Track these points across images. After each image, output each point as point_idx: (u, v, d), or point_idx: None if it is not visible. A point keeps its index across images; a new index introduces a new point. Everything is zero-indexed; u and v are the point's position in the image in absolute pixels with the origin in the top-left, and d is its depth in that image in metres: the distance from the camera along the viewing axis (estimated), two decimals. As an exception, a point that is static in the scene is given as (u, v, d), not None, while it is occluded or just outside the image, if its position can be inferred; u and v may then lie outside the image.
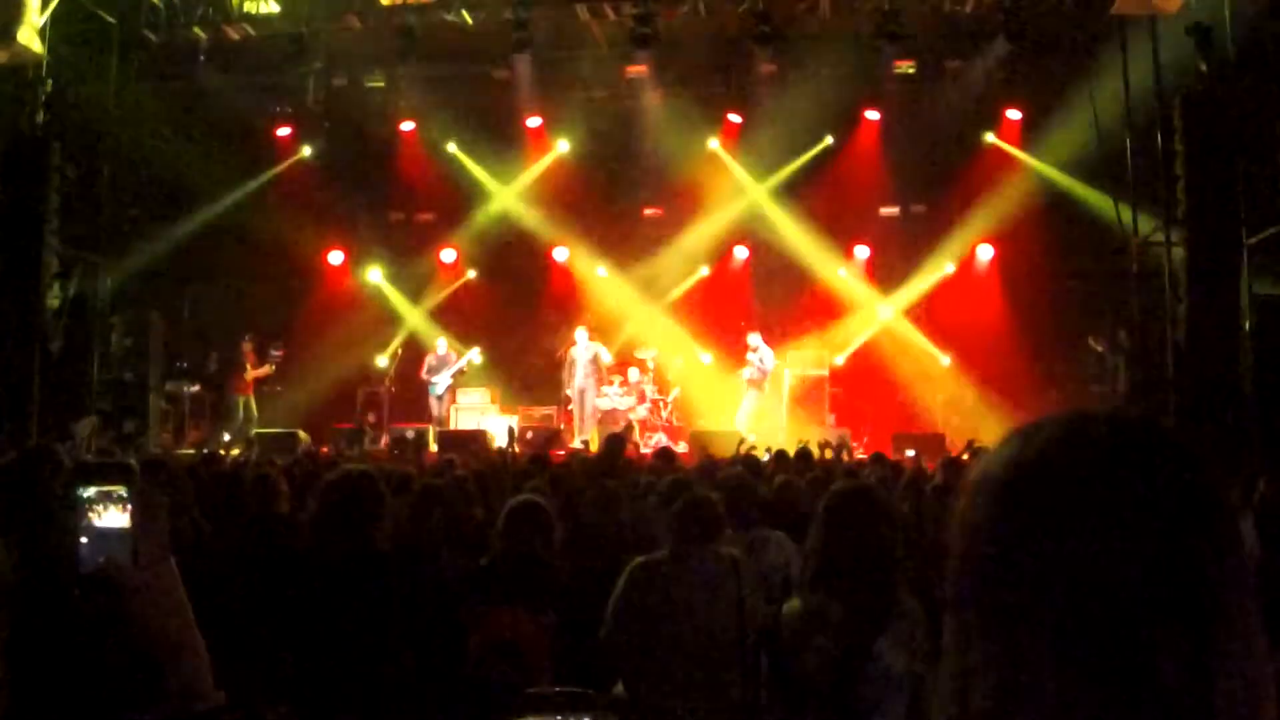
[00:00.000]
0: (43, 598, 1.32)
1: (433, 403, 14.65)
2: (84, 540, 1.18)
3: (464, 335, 15.09)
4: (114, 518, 1.18)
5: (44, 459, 3.66)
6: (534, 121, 15.98)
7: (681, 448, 12.98)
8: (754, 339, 14.27)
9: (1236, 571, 0.80)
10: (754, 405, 14.21)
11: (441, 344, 14.88)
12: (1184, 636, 0.76)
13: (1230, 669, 0.76)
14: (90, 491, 1.19)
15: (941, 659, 0.86)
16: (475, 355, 14.72)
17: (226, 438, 13.86)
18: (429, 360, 14.75)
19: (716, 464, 7.63)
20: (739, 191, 16.02)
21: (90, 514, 1.18)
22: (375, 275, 16.28)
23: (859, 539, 3.00)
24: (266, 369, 14.35)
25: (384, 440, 13.90)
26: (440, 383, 14.57)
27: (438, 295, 16.38)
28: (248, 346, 14.27)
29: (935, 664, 0.90)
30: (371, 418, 14.77)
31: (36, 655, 1.27)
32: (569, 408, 14.61)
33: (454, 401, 14.88)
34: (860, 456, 10.44)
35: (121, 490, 1.19)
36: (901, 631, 2.88)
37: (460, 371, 14.72)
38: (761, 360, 14.16)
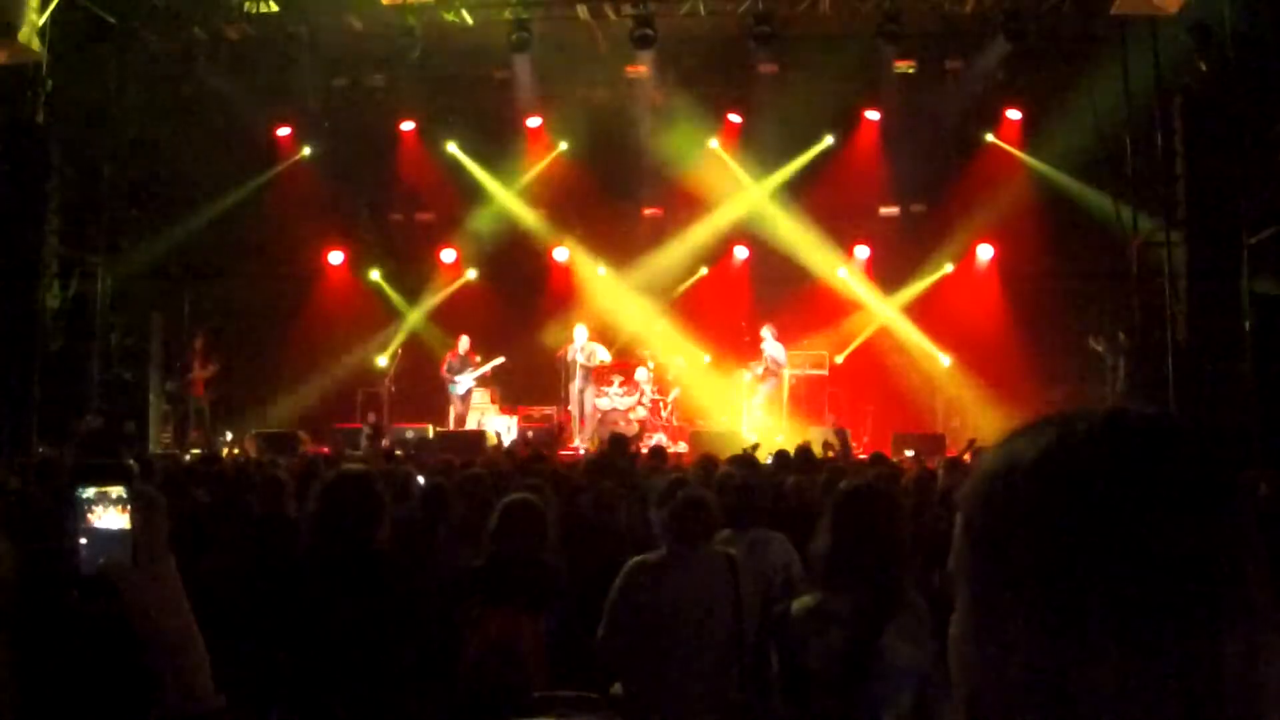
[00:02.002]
0: (41, 600, 1.32)
1: (455, 401, 14.50)
2: (83, 542, 1.18)
3: (463, 335, 15.06)
4: (113, 519, 1.18)
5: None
6: (534, 121, 15.97)
7: (682, 448, 12.98)
8: (765, 332, 14.26)
9: (1261, 562, 0.81)
10: (764, 401, 14.22)
11: (464, 342, 14.62)
12: (1218, 630, 0.78)
13: (1256, 663, 0.78)
14: (89, 492, 1.19)
15: (958, 642, 0.87)
16: (499, 361, 14.52)
17: (229, 436, 13.88)
18: (450, 360, 14.55)
19: (716, 463, 7.62)
20: (739, 191, 16.02)
21: (89, 515, 1.18)
22: (375, 275, 16.28)
23: (867, 535, 3.02)
24: (212, 369, 14.22)
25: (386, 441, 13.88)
26: (462, 383, 14.41)
27: (438, 295, 16.37)
28: (198, 345, 14.18)
29: (940, 659, 0.91)
30: (371, 418, 14.75)
31: (36, 658, 1.27)
32: (569, 408, 14.61)
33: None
34: (860, 456, 10.44)
35: (120, 491, 1.19)
36: (908, 626, 2.90)
37: (484, 376, 14.60)
38: (772, 356, 14.12)
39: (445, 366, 14.55)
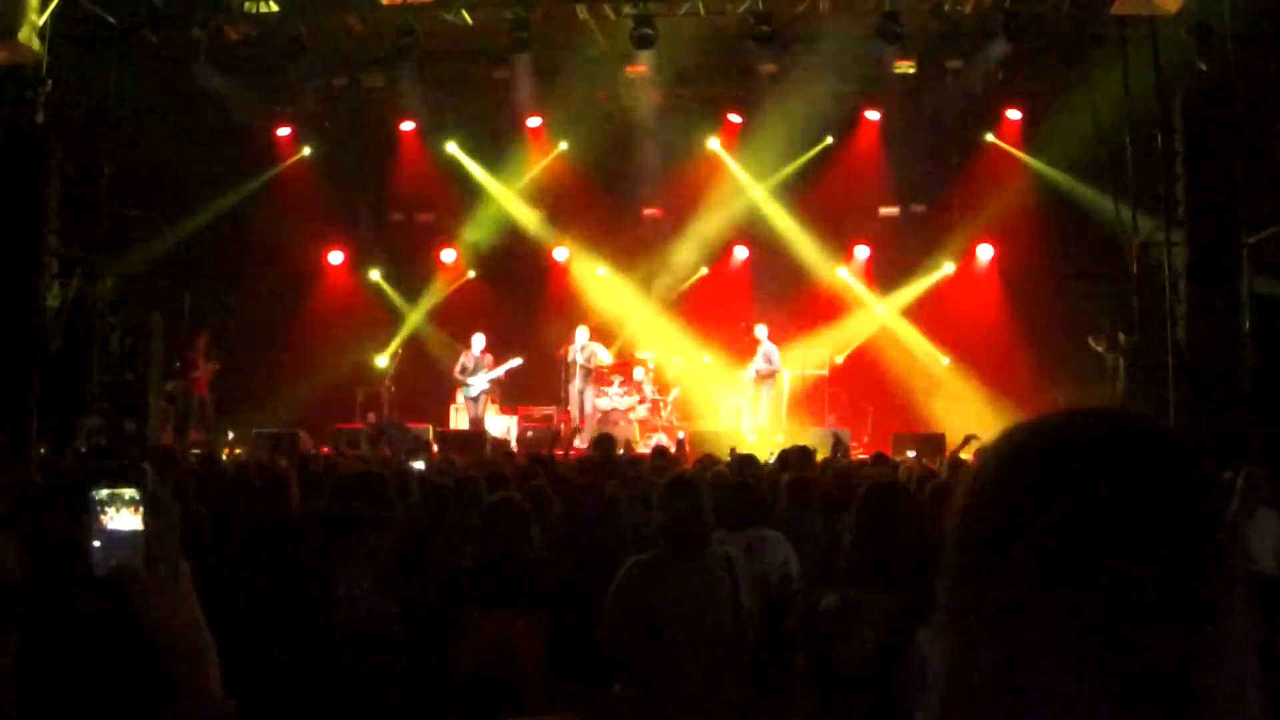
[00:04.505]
0: (54, 601, 1.33)
1: (468, 404, 14.32)
2: (96, 543, 1.18)
3: (464, 335, 15.08)
4: (126, 520, 1.18)
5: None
6: (534, 121, 15.97)
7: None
8: (760, 331, 14.26)
9: (1229, 566, 0.82)
10: (764, 402, 14.19)
11: (478, 341, 14.44)
12: (1180, 632, 0.78)
13: (1218, 665, 0.78)
14: (102, 493, 1.19)
15: (937, 648, 0.88)
16: (516, 363, 14.37)
17: (230, 435, 13.86)
18: (463, 360, 14.36)
19: (715, 463, 7.63)
20: (739, 191, 16.02)
21: (102, 516, 1.18)
22: (375, 275, 16.28)
23: (895, 532, 3.02)
24: (213, 367, 14.22)
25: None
26: (476, 385, 14.23)
27: (438, 295, 16.37)
28: (200, 343, 14.18)
29: None
30: (372, 417, 14.75)
31: (47, 659, 1.28)
32: (569, 408, 14.60)
33: (454, 401, 14.87)
34: (861, 456, 10.45)
35: (133, 492, 1.19)
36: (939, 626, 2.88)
37: (499, 379, 14.51)
38: (766, 356, 14.13)
39: (458, 368, 14.38)
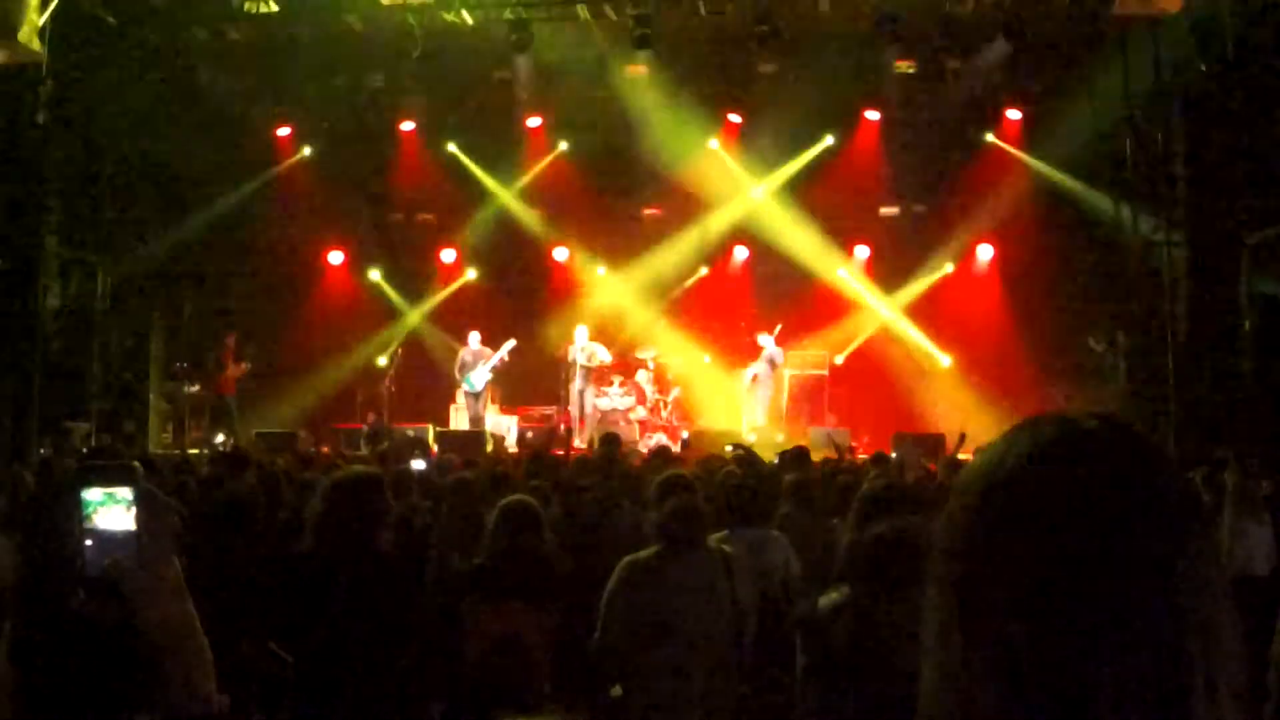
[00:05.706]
0: (47, 601, 1.33)
1: (468, 402, 14.35)
2: (88, 543, 1.18)
3: (464, 335, 15.08)
4: (119, 520, 1.18)
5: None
6: (534, 121, 15.97)
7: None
8: (764, 339, 14.35)
9: (1213, 574, 0.81)
10: (764, 402, 14.25)
11: (474, 338, 14.48)
12: (1172, 634, 0.78)
13: (1204, 672, 0.78)
14: (95, 493, 1.19)
15: (924, 654, 0.88)
16: (511, 345, 14.27)
17: (220, 438, 13.84)
18: (462, 355, 14.40)
19: (719, 463, 7.63)
20: (739, 191, 16.02)
21: (94, 516, 1.18)
22: (375, 275, 16.29)
23: (894, 530, 3.02)
24: (244, 367, 14.27)
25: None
26: (477, 380, 14.21)
27: (438, 295, 16.37)
28: (230, 343, 14.24)
29: None
30: (371, 417, 14.75)
31: (41, 659, 1.28)
32: (569, 408, 14.60)
33: (454, 401, 14.86)
34: (861, 456, 10.44)
35: (126, 492, 1.19)
36: None
37: (496, 367, 14.44)
38: (769, 359, 14.19)
39: (458, 364, 14.40)
